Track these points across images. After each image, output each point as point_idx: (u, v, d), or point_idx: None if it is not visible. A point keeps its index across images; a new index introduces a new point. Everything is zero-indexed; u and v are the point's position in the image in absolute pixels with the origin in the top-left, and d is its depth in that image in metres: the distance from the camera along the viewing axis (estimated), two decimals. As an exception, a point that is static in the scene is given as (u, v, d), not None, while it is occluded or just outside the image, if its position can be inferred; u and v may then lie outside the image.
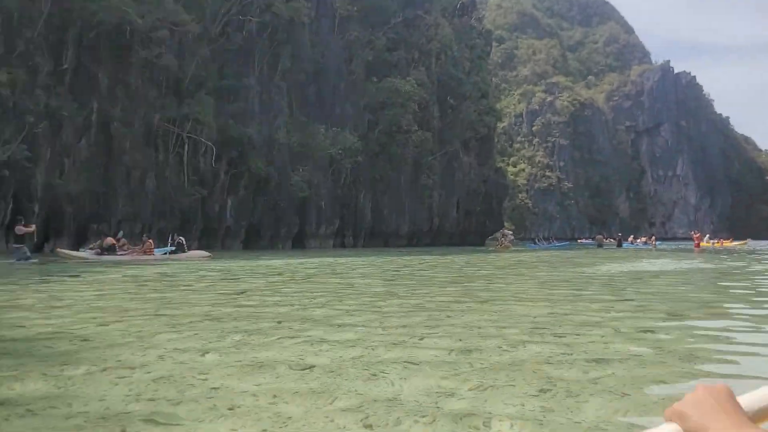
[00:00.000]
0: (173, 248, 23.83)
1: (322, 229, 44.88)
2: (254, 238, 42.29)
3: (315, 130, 43.83)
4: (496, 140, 75.70)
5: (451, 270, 16.15)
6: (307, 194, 43.11)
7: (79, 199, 32.55)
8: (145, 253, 22.47)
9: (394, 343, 4.82)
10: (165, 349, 4.60)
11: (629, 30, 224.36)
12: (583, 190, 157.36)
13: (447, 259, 23.22)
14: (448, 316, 6.54)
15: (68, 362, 4.11)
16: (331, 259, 22.83)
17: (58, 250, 20.58)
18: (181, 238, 24.76)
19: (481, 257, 25.31)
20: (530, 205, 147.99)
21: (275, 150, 42.31)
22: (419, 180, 51.70)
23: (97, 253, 20.96)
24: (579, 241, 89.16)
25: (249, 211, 41.28)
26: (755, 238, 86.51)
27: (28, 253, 20.22)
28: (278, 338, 5.09)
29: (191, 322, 6.09)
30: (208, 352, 4.48)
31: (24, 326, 5.86)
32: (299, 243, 44.01)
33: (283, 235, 42.75)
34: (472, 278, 13.30)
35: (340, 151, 44.01)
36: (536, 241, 53.41)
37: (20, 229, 20.52)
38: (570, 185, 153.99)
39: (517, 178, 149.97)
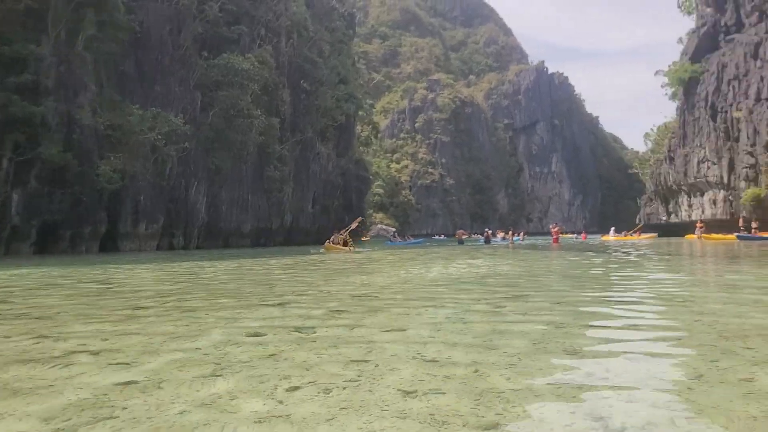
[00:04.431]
0: None
1: (141, 228, 38.23)
2: (51, 240, 35.04)
3: (129, 111, 37.16)
4: (360, 129, 71.37)
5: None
6: (120, 186, 36.40)
7: None
8: None
9: None
10: None
11: (508, 32, 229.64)
12: (464, 186, 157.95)
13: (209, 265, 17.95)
14: None
15: None
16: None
17: None
18: None
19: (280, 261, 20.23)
20: (413, 201, 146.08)
21: (76, 133, 35.28)
22: (266, 171, 46.09)
23: None
24: (433, 237, 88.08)
25: (43, 207, 34.02)
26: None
27: None
28: None
29: None
30: None
31: None
32: (111, 244, 37.18)
33: (87, 235, 35.74)
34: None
35: (160, 136, 37.58)
36: (392, 238, 49.44)
37: None
38: (452, 182, 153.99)
39: (401, 175, 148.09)
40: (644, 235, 52.23)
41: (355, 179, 57.11)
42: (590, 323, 4.67)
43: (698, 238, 44.25)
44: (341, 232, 29.54)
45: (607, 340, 3.96)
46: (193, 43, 42.07)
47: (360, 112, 68.98)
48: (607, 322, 4.80)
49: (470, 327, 4.51)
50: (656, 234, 54.93)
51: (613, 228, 58.42)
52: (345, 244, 28.36)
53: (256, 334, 4.36)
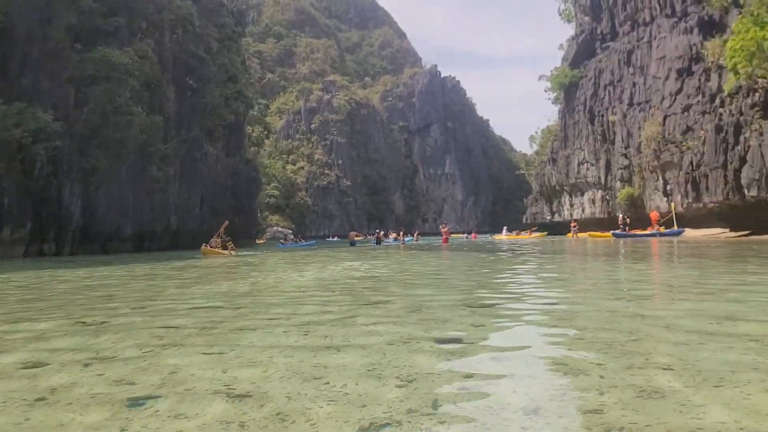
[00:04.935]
0: None
1: (6, 234, 34.92)
2: None
3: (-11, 106, 33.86)
4: (251, 130, 69.49)
5: None
6: (-21, 188, 33.12)
7: None
8: None
9: None
10: None
11: (402, 36, 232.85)
12: (361, 187, 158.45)
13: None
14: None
15: None
16: None
17: None
18: None
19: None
20: (310, 203, 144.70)
21: (-75, 129, 31.73)
22: (148, 171, 43.59)
23: None
24: (326, 239, 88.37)
25: None
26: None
27: None
28: None
29: None
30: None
31: None
32: (-30, 252, 33.73)
33: (-61, 242, 32.27)
34: None
35: (26, 134, 34.49)
36: (283, 240, 48.41)
37: None
38: (348, 183, 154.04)
39: (297, 176, 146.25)
40: (534, 234, 54.45)
41: (245, 180, 55.32)
42: (441, 335, 4.22)
43: (574, 236, 47.00)
44: (216, 235, 28.18)
45: (455, 361, 3.50)
46: (65, 35, 39.01)
47: (252, 112, 67.23)
48: (462, 331, 4.39)
49: (305, 345, 3.93)
50: (546, 233, 57.42)
51: (505, 227, 60.63)
52: (225, 247, 27.11)
53: (35, 366, 3.57)
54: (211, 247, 26.50)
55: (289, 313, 5.59)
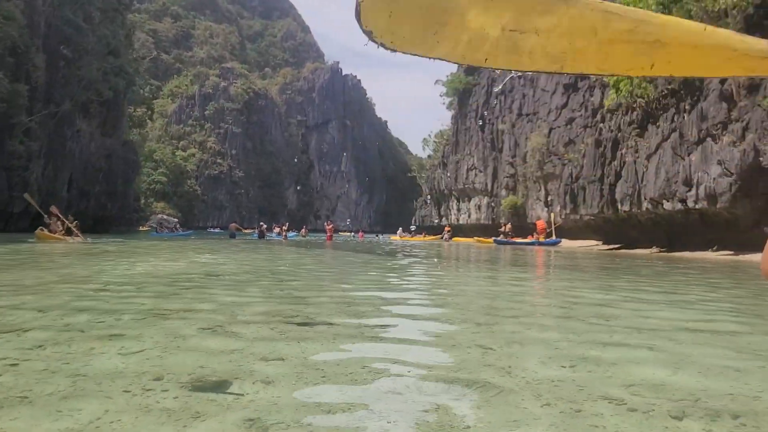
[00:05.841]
0: None
1: None
2: None
3: None
4: (132, 109, 65.13)
5: None
6: None
7: None
8: None
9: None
10: None
11: (306, 29, 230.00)
12: (254, 180, 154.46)
13: None
14: None
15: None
16: None
17: None
18: None
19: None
20: (200, 192, 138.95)
21: None
22: (7, 146, 39.40)
23: None
24: (208, 230, 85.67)
25: None
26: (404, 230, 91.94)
27: None
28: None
29: None
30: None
31: None
32: None
33: None
34: None
35: None
36: (158, 229, 45.55)
37: None
38: (241, 174, 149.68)
39: (187, 164, 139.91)
40: (428, 237, 54.85)
41: (122, 163, 51.51)
42: (212, 374, 3.02)
43: (446, 241, 47.64)
44: (51, 216, 24.90)
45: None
46: None
47: (143, 92, 63.08)
48: (249, 371, 3.27)
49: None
50: (440, 236, 57.97)
51: (401, 228, 61.08)
52: (69, 232, 24.31)
53: None
54: (50, 230, 23.46)
55: (26, 327, 4.16)
